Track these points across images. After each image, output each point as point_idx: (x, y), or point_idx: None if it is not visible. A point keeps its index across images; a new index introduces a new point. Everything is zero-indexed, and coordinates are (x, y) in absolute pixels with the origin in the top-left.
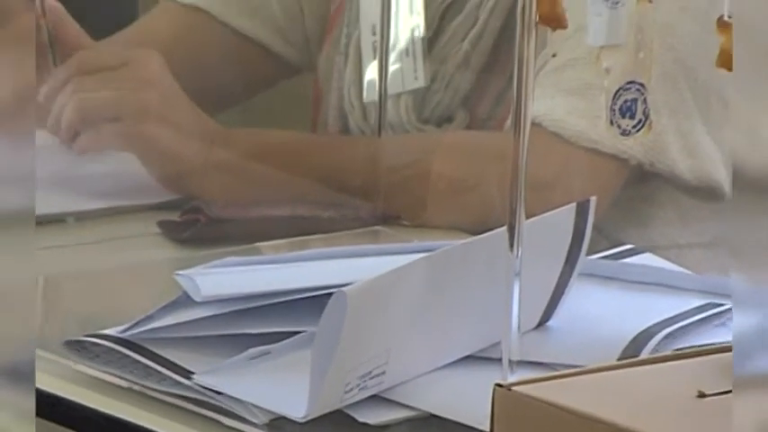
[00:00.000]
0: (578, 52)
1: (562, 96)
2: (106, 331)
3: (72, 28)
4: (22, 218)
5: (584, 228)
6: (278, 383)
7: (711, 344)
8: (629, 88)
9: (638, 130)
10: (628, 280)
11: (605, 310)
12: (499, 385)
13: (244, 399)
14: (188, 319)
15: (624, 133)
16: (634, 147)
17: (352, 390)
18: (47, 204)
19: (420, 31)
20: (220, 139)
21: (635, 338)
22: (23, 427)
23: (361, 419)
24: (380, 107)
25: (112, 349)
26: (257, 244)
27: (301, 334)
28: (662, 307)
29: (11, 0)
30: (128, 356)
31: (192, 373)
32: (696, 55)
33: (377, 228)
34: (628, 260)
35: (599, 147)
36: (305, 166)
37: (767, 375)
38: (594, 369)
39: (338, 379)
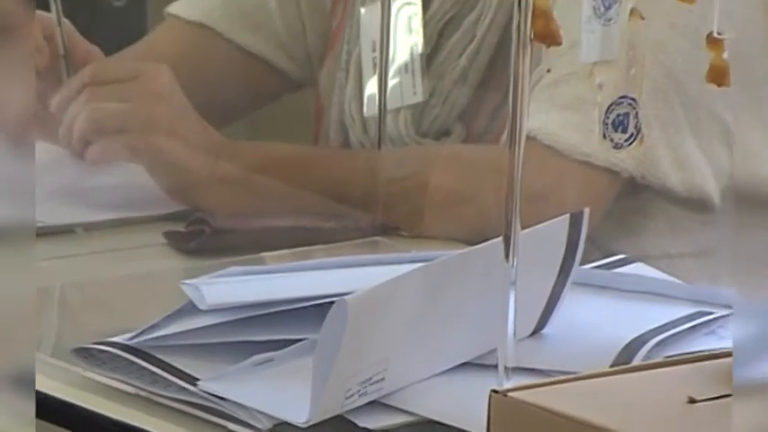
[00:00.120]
0: (572, 68)
1: (556, 111)
2: (114, 339)
3: (81, 43)
4: (23, 229)
5: (578, 238)
6: (281, 389)
7: (701, 351)
8: (622, 103)
9: (630, 144)
10: (620, 289)
11: (598, 319)
12: (495, 391)
13: (248, 404)
14: (193, 327)
15: (616, 147)
16: (626, 160)
17: (352, 395)
18: (57, 215)
19: (418, 47)
20: (226, 152)
21: (627, 346)
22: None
23: (361, 424)
24: (380, 121)
25: (120, 356)
26: (261, 254)
27: (303, 341)
28: (653, 315)
29: (13, 14)
30: (135, 363)
31: (198, 379)
32: (686, 70)
33: (376, 238)
34: (620, 270)
35: (592, 160)
36: (307, 179)
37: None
38: (588, 375)
39: (339, 385)
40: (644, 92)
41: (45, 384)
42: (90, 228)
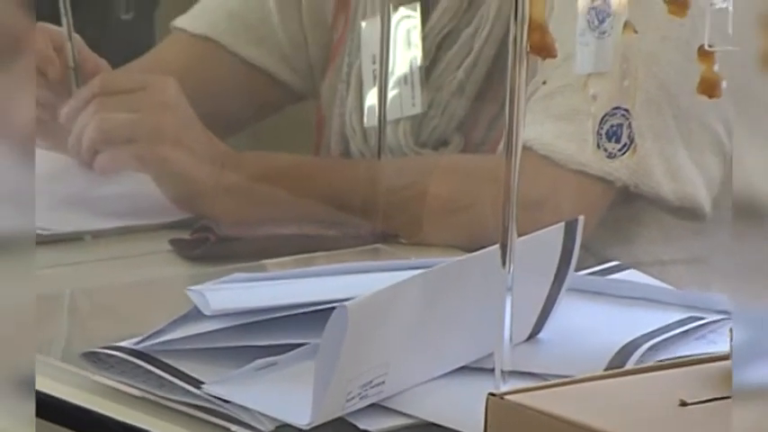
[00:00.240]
0: (567, 80)
1: (552, 121)
2: (121, 343)
3: (90, 55)
4: (24, 237)
5: (573, 245)
6: (283, 392)
7: (692, 355)
8: (615, 114)
9: (624, 154)
10: (614, 295)
11: (593, 324)
12: (492, 394)
13: (251, 407)
14: (198, 331)
15: (610, 156)
16: (620, 169)
17: (353, 398)
18: (66, 223)
19: (417, 60)
20: (230, 162)
21: (621, 350)
22: None
23: (362, 427)
24: (380, 132)
25: (127, 360)
26: (264, 261)
27: (305, 346)
28: (646, 320)
29: (18, 29)
30: (141, 367)
31: (202, 382)
32: (678, 82)
33: (377, 246)
34: (614, 276)
35: (586, 169)
36: (309, 188)
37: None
38: (583, 379)
39: (340, 388)
40: (637, 103)
41: (55, 388)
42: (98, 235)
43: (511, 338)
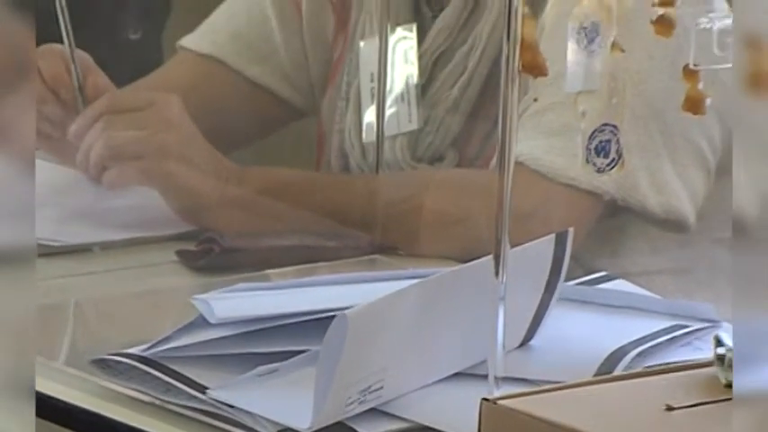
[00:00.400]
0: (557, 97)
1: (543, 137)
2: (129, 350)
3: (98, 75)
4: (25, 248)
5: (563, 256)
6: (285, 398)
7: (678, 362)
8: (604, 130)
9: (612, 168)
10: (602, 304)
11: (582, 331)
12: (486, 399)
13: (254, 411)
14: (203, 339)
15: (599, 171)
16: (608, 183)
17: (352, 403)
18: (76, 235)
19: (414, 78)
20: (234, 176)
21: (609, 357)
22: None
23: (360, 430)
24: (378, 147)
25: (135, 367)
26: (267, 271)
27: (306, 353)
28: (633, 328)
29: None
30: (149, 373)
31: (207, 388)
32: (664, 100)
33: (375, 256)
34: (602, 286)
35: (576, 183)
36: (310, 201)
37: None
38: (573, 384)
39: (340, 393)
40: (624, 120)
41: (65, 393)
42: (106, 247)
43: (504, 345)
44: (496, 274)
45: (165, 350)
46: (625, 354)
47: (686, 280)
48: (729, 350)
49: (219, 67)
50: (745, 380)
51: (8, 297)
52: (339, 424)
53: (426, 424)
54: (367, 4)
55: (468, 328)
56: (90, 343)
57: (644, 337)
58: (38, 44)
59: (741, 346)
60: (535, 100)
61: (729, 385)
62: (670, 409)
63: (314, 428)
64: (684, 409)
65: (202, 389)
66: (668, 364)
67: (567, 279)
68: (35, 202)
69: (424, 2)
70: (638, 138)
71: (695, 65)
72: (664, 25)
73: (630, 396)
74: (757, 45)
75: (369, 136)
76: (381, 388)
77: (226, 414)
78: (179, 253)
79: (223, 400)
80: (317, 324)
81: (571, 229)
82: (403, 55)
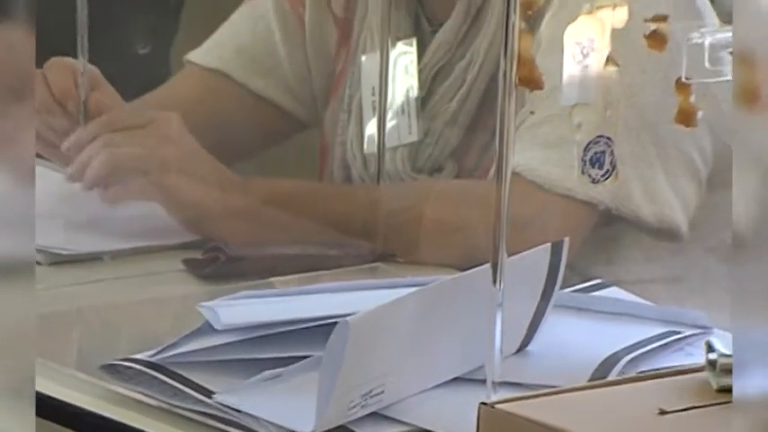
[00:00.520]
0: (553, 110)
1: (539, 149)
2: (138, 356)
3: (106, 90)
4: (24, 258)
5: (559, 265)
6: (289, 402)
7: (670, 367)
8: (599, 141)
9: (606, 179)
10: (597, 311)
11: (577, 337)
12: (484, 403)
13: (259, 415)
14: (210, 345)
15: (594, 181)
16: (602, 193)
17: (354, 407)
18: (86, 244)
19: (414, 91)
20: (238, 187)
21: (603, 362)
22: None
23: None
24: (379, 158)
25: (143, 372)
26: (271, 279)
27: (310, 358)
28: (627, 334)
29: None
30: (156, 378)
31: (213, 392)
32: (657, 112)
33: (376, 264)
34: (597, 293)
35: (571, 193)
36: (313, 211)
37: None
38: (568, 389)
39: (342, 398)
40: (618, 131)
41: (75, 397)
42: (116, 255)
43: (501, 351)
44: (494, 281)
45: (172, 356)
46: (619, 359)
47: (678, 288)
48: (721, 356)
49: (225, 81)
50: (744, 386)
51: (9, 304)
52: (341, 427)
53: (426, 427)
54: (369, 19)
55: (466, 334)
56: (100, 348)
57: (637, 343)
58: (52, 57)
59: (740, 353)
60: (532, 113)
61: (721, 390)
62: (663, 412)
63: None
64: (677, 413)
65: (209, 393)
66: (661, 369)
67: (563, 287)
68: (45, 213)
69: (424, 17)
70: (631, 149)
71: (687, 78)
72: (656, 40)
73: (624, 400)
74: (749, 61)
75: (370, 147)
76: (382, 392)
77: (231, 418)
78: (185, 261)
79: (229, 404)
80: (319, 330)
81: (567, 239)
82: (403, 69)
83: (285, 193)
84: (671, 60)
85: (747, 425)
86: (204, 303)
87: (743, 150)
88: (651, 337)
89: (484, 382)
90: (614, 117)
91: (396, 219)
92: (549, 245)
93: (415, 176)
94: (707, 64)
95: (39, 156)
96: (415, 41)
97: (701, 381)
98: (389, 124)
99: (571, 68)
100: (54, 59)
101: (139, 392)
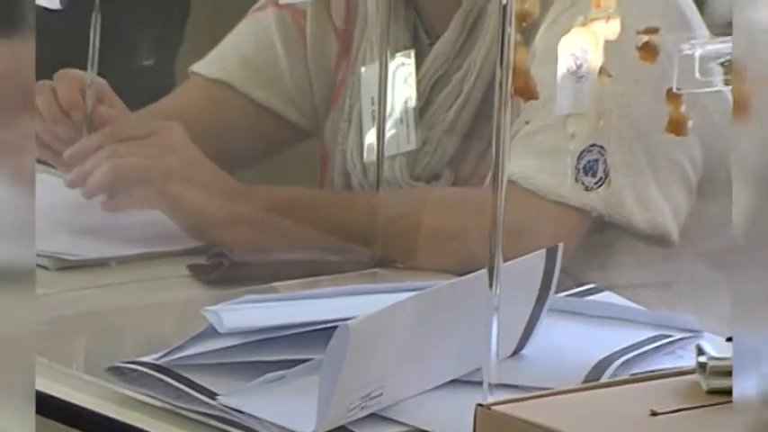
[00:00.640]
0: (548, 120)
1: (534, 158)
2: (143, 358)
3: (112, 101)
4: (25, 264)
5: (553, 270)
6: (291, 403)
7: (662, 369)
8: (592, 150)
9: (600, 187)
10: (591, 315)
11: (571, 341)
12: (480, 405)
13: (261, 416)
14: (214, 348)
15: (587, 189)
16: (595, 200)
17: (354, 408)
18: (93, 250)
19: (412, 101)
20: (240, 195)
21: (597, 365)
22: None
23: None
24: (378, 166)
25: (148, 374)
26: (274, 284)
27: (311, 361)
28: (620, 338)
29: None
30: (161, 380)
31: (217, 394)
32: (649, 122)
33: (375, 270)
34: (590, 298)
35: (565, 201)
36: (314, 218)
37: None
38: (562, 391)
39: (342, 399)
40: (611, 140)
41: (81, 399)
42: (122, 261)
43: (497, 354)
44: (490, 286)
45: (177, 358)
46: (612, 362)
47: (669, 292)
48: (711, 358)
49: (228, 91)
50: (743, 387)
51: (10, 308)
52: (342, 428)
53: (424, 428)
54: (368, 31)
55: (463, 337)
56: (106, 351)
57: (630, 347)
58: (62, 68)
59: (740, 356)
60: (527, 122)
61: (711, 392)
62: (654, 414)
63: None
64: (668, 415)
65: (213, 395)
66: (652, 371)
67: (557, 291)
68: (53, 219)
69: (423, 30)
70: (624, 157)
71: (678, 89)
72: (648, 52)
73: (617, 402)
74: (741, 74)
75: (369, 156)
76: (381, 394)
77: (235, 419)
78: (190, 267)
79: (233, 406)
80: (320, 334)
81: (561, 244)
82: (402, 80)
83: (287, 201)
84: (662, 71)
85: (747, 425)
86: (208, 307)
87: (740, 158)
88: (643, 341)
89: (480, 384)
90: (607, 126)
91: (394, 225)
92: (543, 251)
93: (414, 184)
94: (697, 75)
95: (47, 164)
96: (413, 53)
97: (692, 383)
98: (388, 133)
99: (565, 79)
100: (63, 71)
101: (145, 394)
